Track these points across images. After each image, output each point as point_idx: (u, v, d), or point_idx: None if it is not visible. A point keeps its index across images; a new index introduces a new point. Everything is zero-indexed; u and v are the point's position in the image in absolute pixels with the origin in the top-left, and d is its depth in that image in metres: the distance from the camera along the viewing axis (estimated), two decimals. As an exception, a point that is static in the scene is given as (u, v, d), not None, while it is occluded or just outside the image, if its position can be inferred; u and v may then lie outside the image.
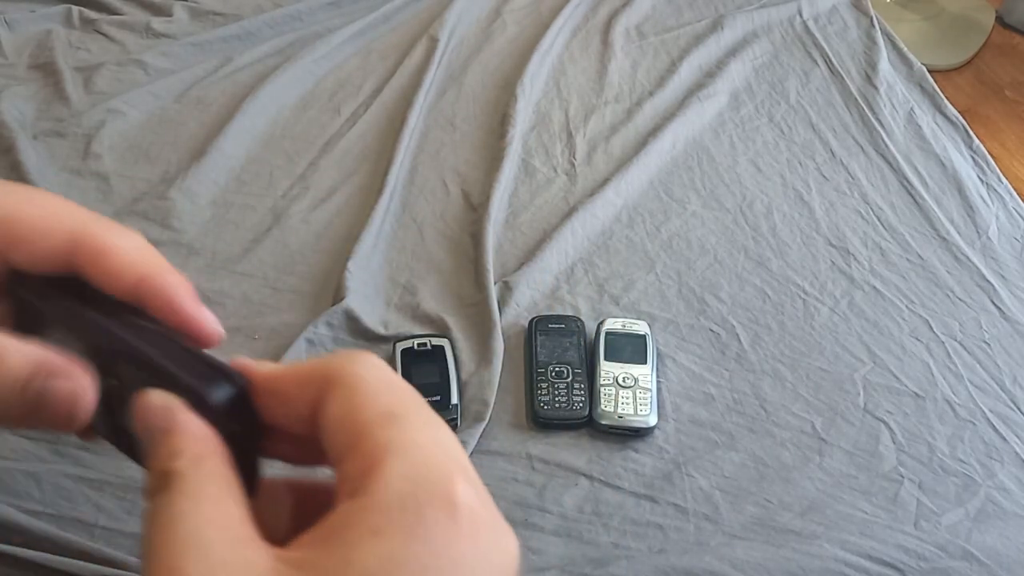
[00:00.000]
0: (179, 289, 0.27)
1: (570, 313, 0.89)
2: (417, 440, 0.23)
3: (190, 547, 0.20)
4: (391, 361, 0.82)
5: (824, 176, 1.08)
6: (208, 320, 0.28)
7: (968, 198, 1.05)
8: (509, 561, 0.22)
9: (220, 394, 0.25)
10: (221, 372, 0.25)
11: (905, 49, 1.30)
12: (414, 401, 0.25)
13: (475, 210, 1.00)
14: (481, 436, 0.77)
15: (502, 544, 0.22)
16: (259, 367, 0.26)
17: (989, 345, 0.89)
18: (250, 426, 0.25)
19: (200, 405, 0.24)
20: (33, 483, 0.71)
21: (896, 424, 0.81)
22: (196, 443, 0.23)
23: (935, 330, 0.90)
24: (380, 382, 0.24)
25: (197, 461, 0.22)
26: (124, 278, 0.26)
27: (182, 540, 0.20)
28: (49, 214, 0.27)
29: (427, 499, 0.21)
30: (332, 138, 1.10)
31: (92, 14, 1.25)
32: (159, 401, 0.24)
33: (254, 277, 0.92)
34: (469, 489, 0.22)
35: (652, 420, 0.79)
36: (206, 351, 0.27)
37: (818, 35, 1.31)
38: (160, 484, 0.22)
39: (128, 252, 0.27)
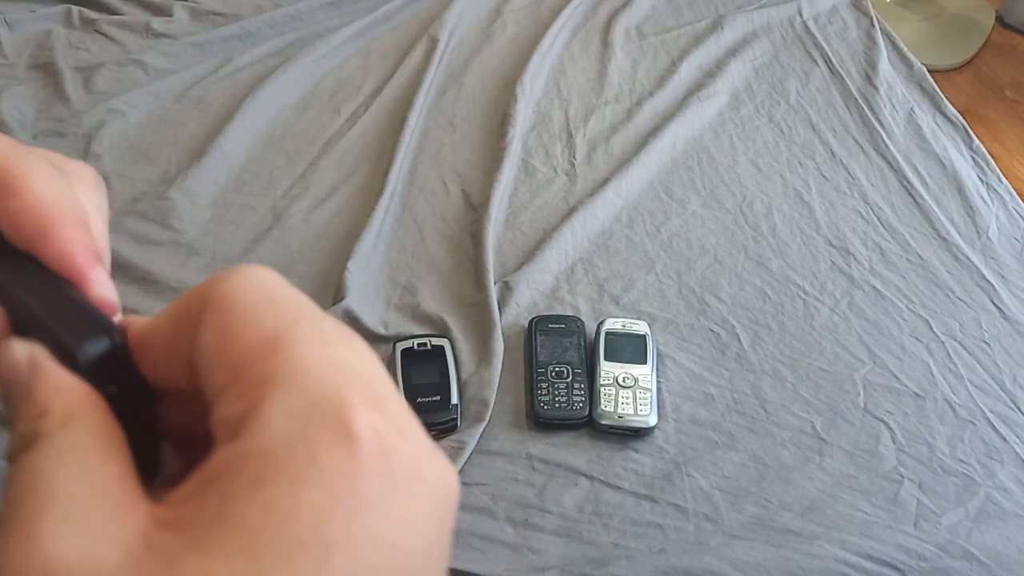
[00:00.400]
0: (74, 245, 0.23)
1: (570, 313, 0.89)
2: (307, 366, 0.18)
3: (49, 508, 0.17)
4: (391, 361, 0.82)
5: (824, 176, 1.08)
6: (98, 283, 0.24)
7: (968, 198, 1.05)
8: (440, 495, 0.18)
9: (92, 348, 0.21)
10: (101, 326, 0.22)
11: (905, 49, 1.30)
12: (306, 316, 0.20)
13: (475, 210, 1.00)
14: (481, 436, 0.77)
15: (428, 475, 0.18)
16: (137, 320, 0.22)
17: (989, 345, 0.89)
18: (137, 388, 0.22)
19: (71, 360, 0.21)
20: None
21: (896, 424, 0.81)
22: (64, 399, 0.20)
23: (935, 330, 0.90)
24: (260, 300, 0.20)
25: (65, 419, 0.19)
26: (24, 226, 0.23)
27: (41, 500, 0.18)
28: None
29: (317, 434, 0.17)
30: (332, 138, 1.10)
31: (92, 14, 1.25)
32: (22, 353, 0.21)
33: (254, 277, 0.92)
34: (372, 414, 0.18)
35: (652, 420, 0.79)
36: (94, 307, 0.23)
37: (818, 35, 1.31)
38: (23, 444, 0.19)
39: (38, 198, 0.23)
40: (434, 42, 1.23)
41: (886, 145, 1.12)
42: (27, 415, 0.19)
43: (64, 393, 0.20)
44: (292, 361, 0.18)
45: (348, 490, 0.17)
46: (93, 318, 0.22)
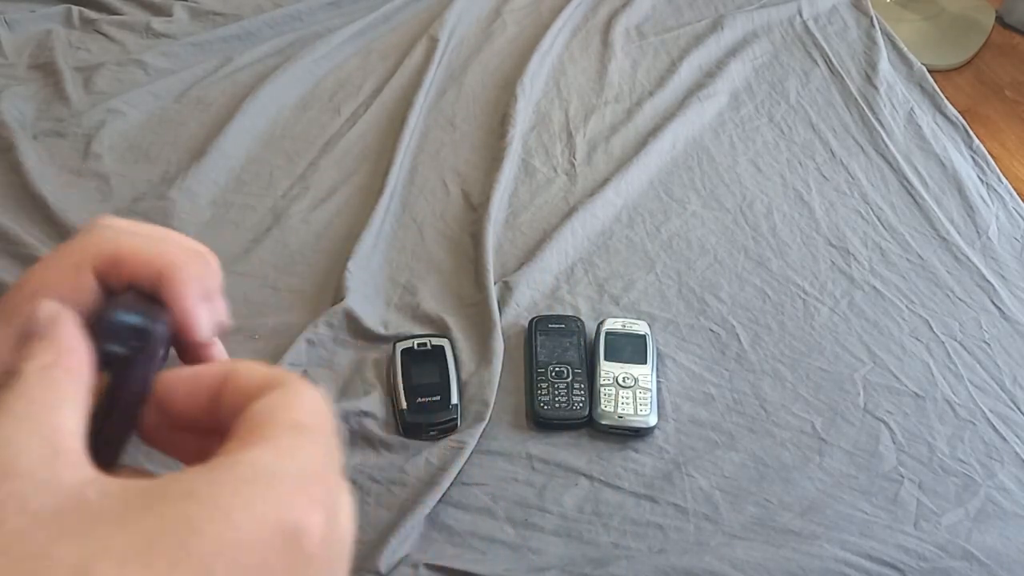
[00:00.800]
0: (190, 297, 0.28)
1: (570, 313, 0.89)
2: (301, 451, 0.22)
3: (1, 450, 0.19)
4: (391, 361, 0.82)
5: (824, 176, 1.08)
6: (196, 320, 0.29)
7: (968, 198, 1.05)
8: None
9: (122, 316, 0.25)
10: (147, 311, 0.26)
11: (905, 49, 1.30)
12: (325, 428, 0.24)
13: (475, 210, 1.00)
14: (481, 436, 0.77)
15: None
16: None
17: (989, 345, 0.89)
18: (139, 377, 0.25)
19: (94, 322, 0.24)
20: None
21: (896, 424, 0.81)
22: (54, 351, 0.22)
23: (935, 330, 0.90)
24: (313, 399, 0.24)
25: (45, 367, 0.22)
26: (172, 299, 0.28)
27: None
28: (147, 247, 0.28)
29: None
30: (332, 138, 1.10)
31: (92, 14, 1.25)
32: (48, 309, 0.23)
33: (254, 277, 0.92)
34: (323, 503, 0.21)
35: (652, 420, 0.79)
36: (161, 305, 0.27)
37: (818, 35, 1.31)
38: (2, 381, 0.21)
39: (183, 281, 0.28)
40: (434, 42, 1.23)
41: (886, 145, 1.12)
42: (20, 355, 0.22)
43: (57, 346, 0.22)
44: (295, 441, 0.22)
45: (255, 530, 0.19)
46: (146, 305, 0.26)
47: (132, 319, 0.25)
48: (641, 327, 0.86)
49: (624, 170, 1.05)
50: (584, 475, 0.76)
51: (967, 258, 0.98)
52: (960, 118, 1.18)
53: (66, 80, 1.13)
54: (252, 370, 0.25)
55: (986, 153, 1.13)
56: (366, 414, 0.77)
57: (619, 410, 0.79)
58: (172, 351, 0.29)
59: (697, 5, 1.38)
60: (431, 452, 0.76)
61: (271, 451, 0.21)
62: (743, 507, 0.74)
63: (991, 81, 1.84)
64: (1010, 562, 0.71)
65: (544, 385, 0.81)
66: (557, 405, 0.79)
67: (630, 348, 0.84)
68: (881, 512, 0.75)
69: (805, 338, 0.89)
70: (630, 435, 0.79)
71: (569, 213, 0.99)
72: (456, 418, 0.78)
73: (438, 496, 0.72)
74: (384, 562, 0.67)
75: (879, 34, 1.31)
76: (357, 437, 0.77)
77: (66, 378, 0.22)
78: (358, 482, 0.74)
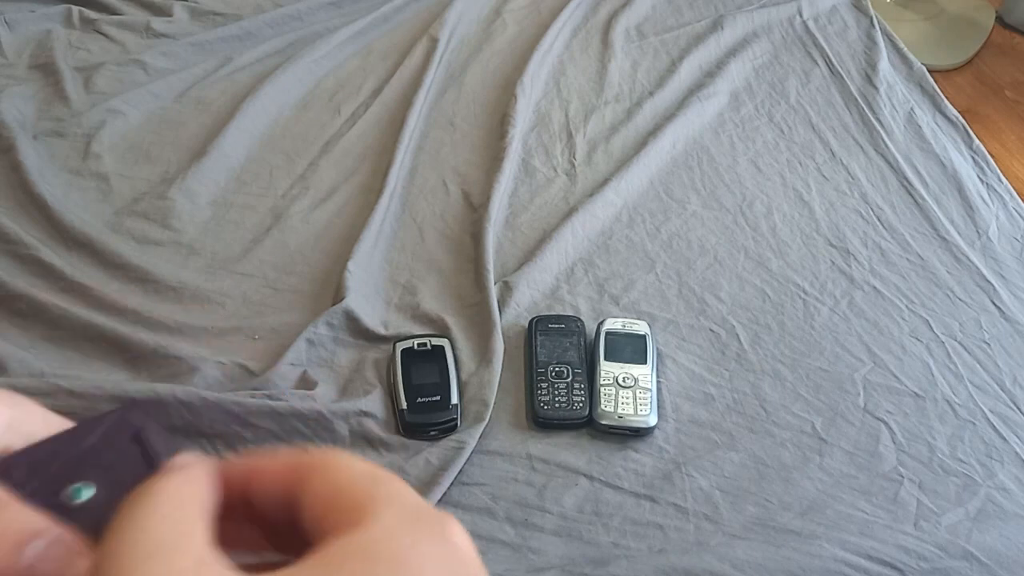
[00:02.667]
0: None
1: (570, 313, 0.89)
2: (404, 493, 0.23)
3: (161, 550, 0.20)
4: (391, 361, 0.82)
5: (824, 176, 1.08)
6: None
7: (968, 198, 1.05)
8: None
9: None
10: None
11: (905, 49, 1.30)
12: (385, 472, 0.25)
13: (475, 210, 1.00)
14: (481, 436, 0.77)
15: None
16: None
17: (989, 345, 0.89)
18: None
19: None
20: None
21: (896, 424, 0.81)
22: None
23: (935, 330, 0.90)
24: (358, 463, 0.24)
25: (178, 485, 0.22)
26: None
27: (155, 539, 0.20)
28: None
29: (422, 532, 0.22)
30: (332, 138, 1.10)
31: (92, 14, 1.25)
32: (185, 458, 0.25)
33: (254, 277, 0.92)
34: (466, 536, 0.22)
35: (652, 420, 0.79)
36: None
37: (818, 35, 1.31)
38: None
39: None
40: (434, 42, 1.23)
41: (886, 145, 1.12)
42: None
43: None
44: (392, 485, 0.23)
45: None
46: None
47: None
48: (641, 327, 0.86)
49: (624, 170, 1.05)
50: (584, 475, 0.76)
51: (967, 258, 0.98)
52: (960, 118, 1.18)
53: (66, 80, 1.13)
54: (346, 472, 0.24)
55: (986, 153, 1.13)
56: (366, 414, 0.77)
57: (619, 410, 0.79)
58: None
59: (697, 5, 1.38)
60: (431, 452, 0.76)
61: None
62: (743, 507, 0.74)
63: (991, 81, 1.84)
64: (1010, 562, 0.71)
65: (544, 385, 0.81)
66: (557, 405, 0.79)
67: (630, 348, 0.84)
68: (881, 512, 0.75)
69: (805, 338, 0.89)
70: (630, 435, 0.79)
71: (569, 213, 0.99)
72: (456, 418, 0.78)
73: (438, 496, 0.72)
74: (384, 562, 0.67)
75: (879, 34, 1.31)
76: (357, 437, 0.77)
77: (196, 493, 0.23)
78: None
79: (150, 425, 0.25)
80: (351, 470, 0.24)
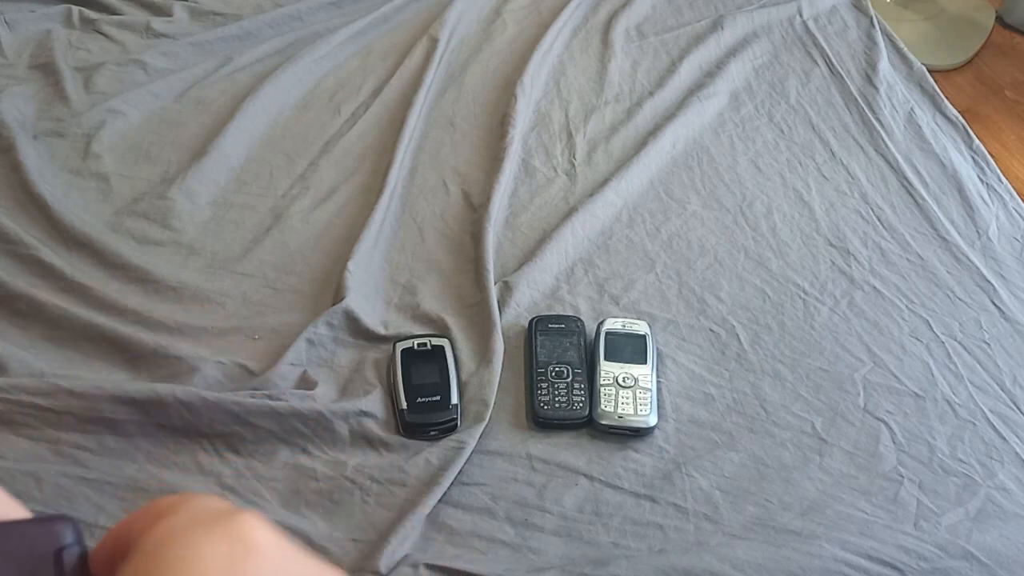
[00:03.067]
0: None
1: (570, 313, 0.89)
2: (203, 500, 0.27)
3: None
4: (391, 361, 0.82)
5: (824, 176, 1.08)
6: None
7: (968, 198, 1.05)
8: None
9: None
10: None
11: (905, 49, 1.30)
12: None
13: (475, 210, 1.00)
14: (481, 436, 0.77)
15: None
16: None
17: (989, 345, 0.89)
18: None
19: None
20: (33, 483, 0.71)
21: (896, 424, 0.81)
22: None
23: (935, 330, 0.90)
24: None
25: None
26: None
27: None
28: None
29: (208, 529, 0.25)
30: (332, 138, 1.10)
31: (92, 14, 1.25)
32: None
33: (254, 277, 0.92)
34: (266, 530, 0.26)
35: (652, 420, 0.79)
36: None
37: (818, 35, 1.31)
38: None
39: None
40: (434, 42, 1.23)
41: (886, 145, 1.12)
42: None
43: None
44: (196, 498, 0.27)
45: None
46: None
47: None
48: (641, 327, 0.86)
49: (624, 170, 1.05)
50: (584, 475, 0.76)
51: (967, 258, 0.98)
52: (960, 118, 1.18)
53: (66, 80, 1.13)
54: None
55: (986, 153, 1.13)
56: (366, 414, 0.77)
57: (619, 410, 0.79)
58: None
59: (697, 5, 1.38)
60: (431, 452, 0.76)
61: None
62: (743, 507, 0.74)
63: (991, 81, 1.84)
64: (1010, 562, 0.71)
65: (544, 385, 0.81)
66: (557, 405, 0.79)
67: (630, 348, 0.84)
68: (881, 512, 0.75)
69: (805, 338, 0.89)
70: (630, 435, 0.79)
71: (569, 213, 0.99)
72: (456, 418, 0.78)
73: (438, 496, 0.72)
74: (384, 562, 0.67)
75: (879, 34, 1.31)
76: (357, 437, 0.77)
77: None
78: (358, 482, 0.74)
79: (75, 547, 0.27)
80: (173, 496, 0.27)
